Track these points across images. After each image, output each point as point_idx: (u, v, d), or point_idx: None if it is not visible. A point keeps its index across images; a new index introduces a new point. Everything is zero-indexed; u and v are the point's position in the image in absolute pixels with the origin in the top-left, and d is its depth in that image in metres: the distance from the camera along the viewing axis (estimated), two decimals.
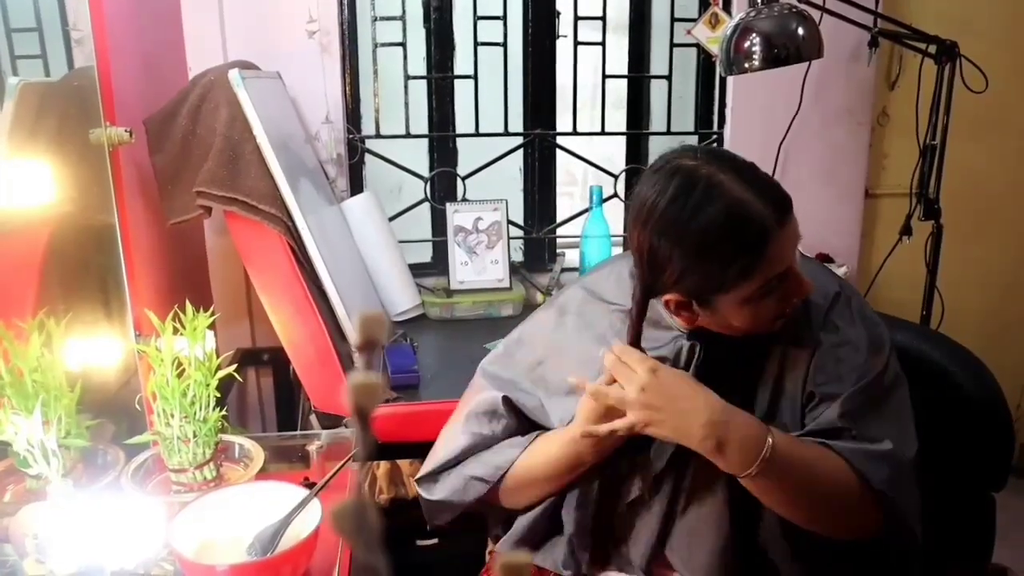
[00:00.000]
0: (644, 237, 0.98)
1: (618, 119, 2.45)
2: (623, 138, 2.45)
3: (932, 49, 1.83)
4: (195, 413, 1.25)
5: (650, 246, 0.98)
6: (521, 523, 1.20)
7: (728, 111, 2.30)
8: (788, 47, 1.71)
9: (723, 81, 2.31)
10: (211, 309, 1.31)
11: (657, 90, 2.39)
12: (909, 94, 2.20)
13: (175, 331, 1.27)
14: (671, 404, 0.98)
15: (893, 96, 2.33)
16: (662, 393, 0.98)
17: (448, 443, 1.21)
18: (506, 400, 1.18)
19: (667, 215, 0.96)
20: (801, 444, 1.01)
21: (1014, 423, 1.23)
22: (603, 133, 2.37)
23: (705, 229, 0.94)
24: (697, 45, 2.28)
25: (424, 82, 2.24)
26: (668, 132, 2.36)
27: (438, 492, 1.21)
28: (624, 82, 2.37)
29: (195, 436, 1.25)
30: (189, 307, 1.28)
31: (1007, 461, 1.21)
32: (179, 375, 1.24)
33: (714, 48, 2.23)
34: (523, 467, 1.15)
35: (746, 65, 1.72)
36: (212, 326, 1.29)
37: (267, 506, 1.16)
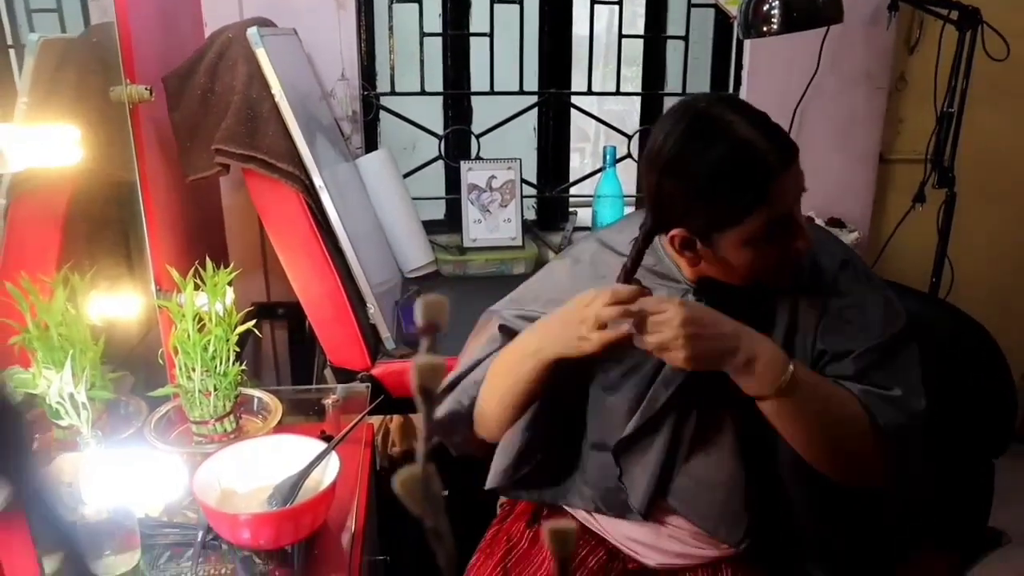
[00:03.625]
0: (654, 174, 1.01)
1: (632, 77, 2.43)
2: (637, 97, 2.44)
3: (954, 15, 1.81)
4: (215, 367, 1.28)
5: (659, 182, 1.01)
6: (507, 459, 1.21)
7: (744, 73, 2.29)
8: (808, 11, 1.69)
9: (740, 42, 2.29)
10: (231, 266, 1.34)
11: (673, 50, 2.37)
12: (928, 59, 2.17)
13: (195, 287, 1.30)
14: (712, 327, 0.99)
15: (912, 60, 2.31)
16: (700, 318, 0.99)
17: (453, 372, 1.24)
18: (502, 328, 1.20)
19: (676, 151, 0.99)
20: (818, 375, 1.05)
21: (1017, 392, 1.25)
22: (618, 93, 2.36)
23: (712, 164, 0.97)
24: (715, 5, 2.26)
25: (439, 39, 2.23)
26: (683, 93, 2.35)
27: (440, 411, 1.22)
28: (640, 41, 2.36)
29: (216, 389, 1.29)
30: (209, 264, 1.30)
31: (1009, 429, 1.23)
32: (199, 330, 1.28)
33: (732, 9, 2.20)
34: (493, 366, 1.16)
35: (765, 29, 1.71)
36: (231, 282, 1.32)
37: (286, 458, 1.20)
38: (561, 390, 1.15)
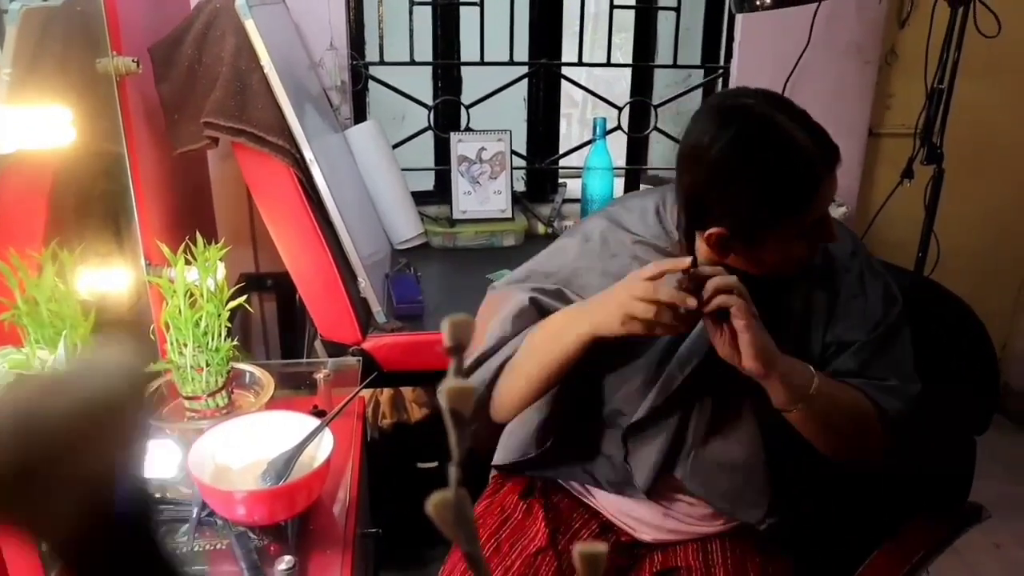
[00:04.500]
0: (697, 173, 1.01)
1: (621, 44, 2.41)
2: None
3: None
4: (207, 343, 1.28)
5: (703, 181, 1.00)
6: (525, 436, 1.22)
7: (736, 45, 2.28)
8: None
9: (732, 14, 2.28)
10: (221, 241, 1.33)
11: (664, 21, 2.36)
12: (919, 33, 2.16)
13: (186, 262, 1.29)
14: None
15: (903, 34, 2.30)
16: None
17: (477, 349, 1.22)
18: (534, 302, 1.19)
19: (723, 152, 0.98)
20: (834, 382, 1.08)
21: (1000, 372, 1.27)
22: (609, 64, 2.34)
23: (760, 167, 0.97)
24: None
25: (429, 8, 2.20)
26: (675, 65, 2.33)
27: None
28: (631, 12, 2.34)
29: (208, 365, 1.29)
30: (200, 239, 1.30)
31: (991, 409, 1.25)
32: (191, 306, 1.27)
33: None
34: (526, 344, 1.15)
35: (758, 3, 1.70)
36: (222, 258, 1.32)
37: (279, 434, 1.21)
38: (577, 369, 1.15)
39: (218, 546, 1.12)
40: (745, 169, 0.98)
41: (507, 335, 1.19)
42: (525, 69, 2.30)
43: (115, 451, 0.41)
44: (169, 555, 0.48)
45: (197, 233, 1.31)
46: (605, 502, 1.25)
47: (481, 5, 2.17)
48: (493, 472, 1.43)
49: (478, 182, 2.20)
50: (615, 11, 2.26)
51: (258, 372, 1.42)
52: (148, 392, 0.45)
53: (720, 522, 1.18)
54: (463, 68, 2.29)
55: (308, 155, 1.58)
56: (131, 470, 0.43)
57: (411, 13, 2.14)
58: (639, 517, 1.21)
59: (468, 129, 2.26)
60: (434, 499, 0.36)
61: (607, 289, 1.04)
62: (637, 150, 2.48)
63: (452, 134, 2.18)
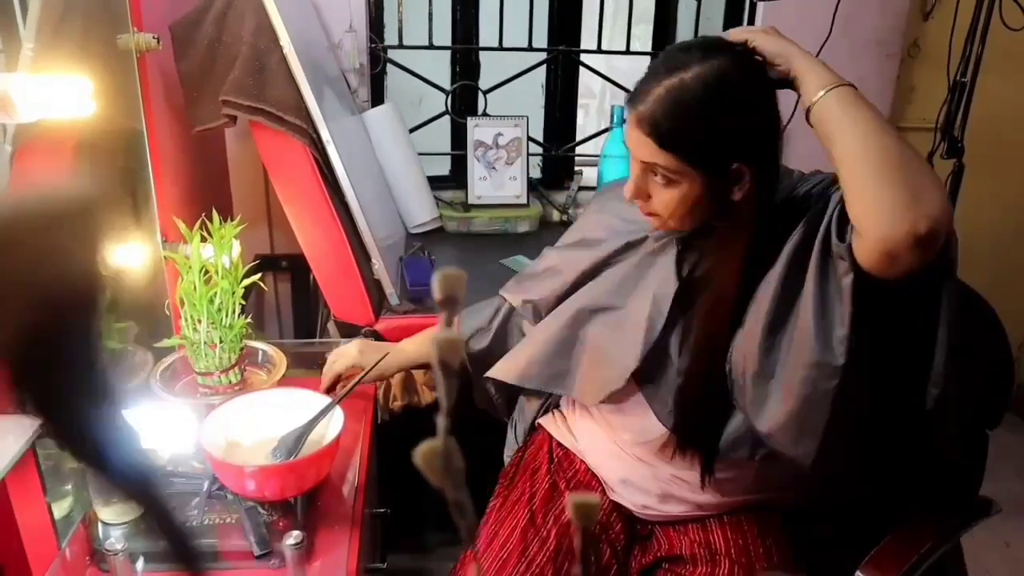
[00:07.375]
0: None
1: (641, 35, 2.40)
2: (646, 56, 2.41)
3: None
4: (221, 320, 1.29)
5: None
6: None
7: None
8: None
9: (753, 3, 2.26)
10: (237, 219, 1.34)
11: (685, 9, 2.34)
12: (943, 26, 2.13)
13: (202, 239, 1.30)
14: None
15: (926, 27, 2.28)
16: None
17: None
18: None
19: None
20: None
21: (1015, 365, 1.26)
22: (628, 52, 2.33)
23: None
24: None
25: None
26: None
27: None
28: (651, 0, 2.32)
29: (221, 342, 1.30)
30: (216, 216, 1.30)
31: (1005, 401, 1.25)
32: (206, 282, 1.28)
33: None
34: None
35: None
36: (237, 235, 1.32)
37: (291, 411, 1.22)
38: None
39: (228, 520, 1.13)
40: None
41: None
42: (544, 55, 2.30)
43: (74, 258, 0.41)
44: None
45: (213, 211, 1.31)
46: (601, 468, 1.26)
47: None
48: (507, 462, 1.42)
49: (494, 168, 2.20)
50: None
51: (271, 350, 1.43)
52: (106, 212, 0.44)
53: (718, 496, 1.18)
54: (481, 53, 2.28)
55: (325, 135, 1.58)
56: (92, 280, 0.42)
57: None
58: (637, 484, 1.21)
59: (485, 114, 2.26)
60: (422, 447, 0.36)
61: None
62: None
63: (469, 119, 2.18)
